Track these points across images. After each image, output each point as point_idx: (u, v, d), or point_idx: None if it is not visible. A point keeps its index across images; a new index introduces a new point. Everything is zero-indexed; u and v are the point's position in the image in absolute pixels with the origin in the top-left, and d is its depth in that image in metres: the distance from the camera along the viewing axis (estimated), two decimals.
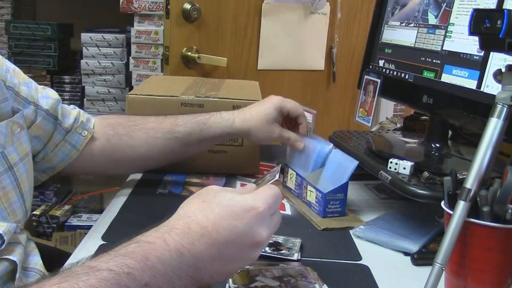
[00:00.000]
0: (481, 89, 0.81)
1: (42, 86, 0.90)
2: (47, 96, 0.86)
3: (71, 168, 0.92)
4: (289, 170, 1.01)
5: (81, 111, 0.94)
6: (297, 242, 0.79)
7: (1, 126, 0.72)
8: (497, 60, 0.78)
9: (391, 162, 0.88)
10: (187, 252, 0.53)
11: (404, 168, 0.87)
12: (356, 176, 0.91)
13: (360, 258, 0.77)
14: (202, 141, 0.96)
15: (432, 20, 0.95)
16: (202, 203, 0.57)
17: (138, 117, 0.98)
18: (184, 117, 0.96)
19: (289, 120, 1.01)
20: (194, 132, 0.95)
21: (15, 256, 0.71)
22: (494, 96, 0.61)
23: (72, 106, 0.94)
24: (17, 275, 0.71)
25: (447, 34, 0.90)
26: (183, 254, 0.53)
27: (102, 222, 0.86)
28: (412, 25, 1.00)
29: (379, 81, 1.06)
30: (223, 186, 0.96)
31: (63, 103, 0.90)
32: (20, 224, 0.75)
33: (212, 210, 0.56)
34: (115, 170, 1.00)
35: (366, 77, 1.11)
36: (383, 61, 1.08)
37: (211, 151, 1.08)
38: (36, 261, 0.79)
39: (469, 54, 0.84)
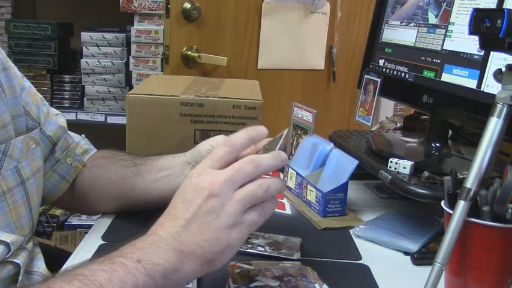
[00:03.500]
0: (481, 89, 0.80)
1: (56, 112, 0.88)
2: (54, 122, 0.84)
3: (64, 203, 0.89)
4: (289, 169, 1.01)
5: (84, 142, 0.90)
6: (297, 241, 0.79)
7: (17, 141, 0.72)
8: (497, 60, 0.78)
9: (391, 162, 0.88)
10: (161, 230, 0.56)
11: (404, 168, 0.87)
12: (356, 175, 0.91)
13: (360, 258, 0.77)
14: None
15: (432, 19, 0.94)
16: None
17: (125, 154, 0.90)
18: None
19: None
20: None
21: (19, 259, 0.71)
22: (494, 95, 0.61)
23: (80, 137, 0.91)
24: (20, 278, 0.71)
25: (447, 34, 0.90)
26: (158, 233, 0.56)
27: (102, 222, 0.86)
28: (412, 24, 1.00)
29: (379, 80, 1.06)
30: None
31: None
32: (27, 238, 0.75)
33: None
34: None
35: (366, 76, 1.10)
36: (383, 61, 1.08)
37: None
38: (39, 265, 0.79)
39: (469, 53, 0.84)
